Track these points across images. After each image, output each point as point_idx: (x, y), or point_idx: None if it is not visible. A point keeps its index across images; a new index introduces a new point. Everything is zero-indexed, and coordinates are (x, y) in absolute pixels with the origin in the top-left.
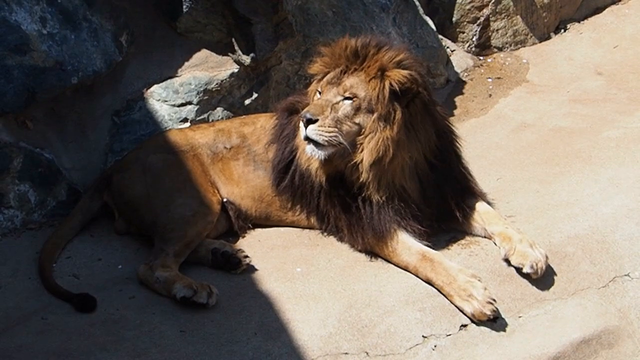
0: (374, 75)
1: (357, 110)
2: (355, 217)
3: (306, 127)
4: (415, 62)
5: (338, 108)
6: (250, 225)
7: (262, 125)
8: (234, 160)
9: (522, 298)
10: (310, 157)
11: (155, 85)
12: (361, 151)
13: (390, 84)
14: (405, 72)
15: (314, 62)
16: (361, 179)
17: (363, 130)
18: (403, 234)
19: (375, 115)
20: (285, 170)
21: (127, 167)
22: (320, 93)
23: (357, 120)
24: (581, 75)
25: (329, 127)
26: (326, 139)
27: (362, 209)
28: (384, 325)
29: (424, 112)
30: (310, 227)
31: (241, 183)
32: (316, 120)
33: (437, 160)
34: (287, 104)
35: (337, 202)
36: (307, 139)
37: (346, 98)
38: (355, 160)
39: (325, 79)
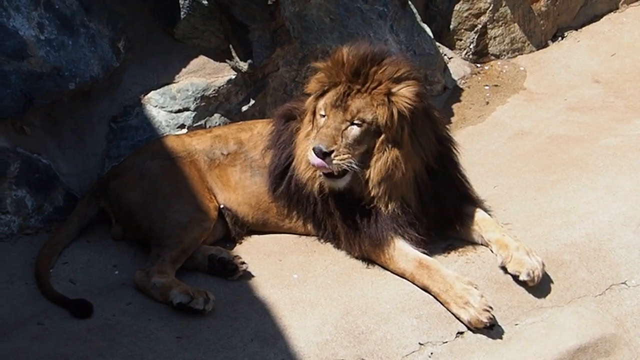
0: (381, 102)
1: (365, 133)
2: (353, 224)
3: (321, 158)
4: (414, 71)
5: (347, 134)
6: (247, 231)
7: (259, 132)
8: (231, 167)
9: (519, 306)
10: (322, 182)
11: (153, 92)
12: (369, 169)
13: (399, 110)
14: (410, 94)
15: (310, 80)
16: (372, 194)
17: (370, 150)
18: (400, 241)
19: (383, 137)
20: (282, 176)
21: (124, 173)
22: (324, 116)
23: (365, 143)
24: (578, 83)
25: (343, 155)
26: (343, 168)
27: (360, 217)
28: (380, 332)
29: (425, 118)
30: (307, 234)
31: (238, 189)
32: (331, 152)
33: (437, 165)
34: (284, 111)
35: (334, 210)
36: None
37: (353, 123)
38: (365, 178)
39: (327, 101)
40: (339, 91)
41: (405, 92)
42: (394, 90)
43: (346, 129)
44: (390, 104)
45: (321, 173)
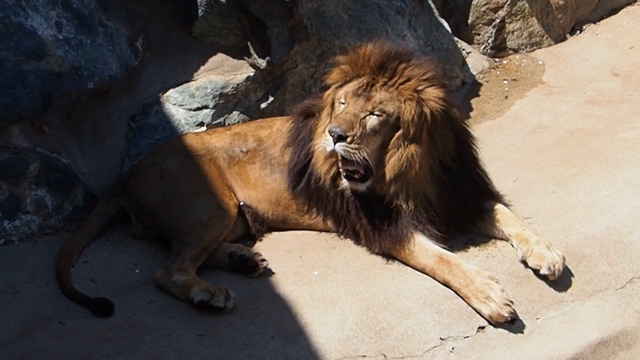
0: (409, 97)
1: (383, 125)
2: (372, 221)
3: (335, 143)
4: (440, 76)
5: (365, 123)
6: (267, 228)
7: (278, 129)
8: (251, 164)
9: (540, 300)
10: (345, 184)
11: (171, 90)
12: (383, 166)
13: (428, 109)
14: (440, 99)
15: (332, 71)
16: (391, 192)
17: (385, 144)
18: (420, 237)
19: (401, 132)
20: (301, 173)
21: (143, 172)
22: (343, 104)
23: (381, 135)
24: (597, 77)
25: (358, 144)
26: (356, 158)
27: (380, 214)
28: (401, 328)
29: (446, 120)
30: (327, 230)
31: (258, 186)
32: (347, 137)
33: (455, 164)
34: (302, 108)
35: (354, 208)
36: (346, 173)
37: (373, 114)
38: (379, 175)
39: (349, 89)
40: (363, 82)
41: (435, 93)
42: (422, 88)
43: (365, 117)
44: (420, 103)
45: (343, 174)
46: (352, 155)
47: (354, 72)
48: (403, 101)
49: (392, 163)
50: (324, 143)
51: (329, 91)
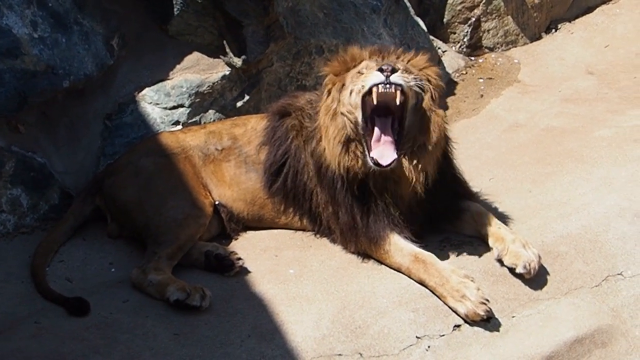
0: (425, 66)
1: (415, 80)
2: (349, 219)
3: (390, 75)
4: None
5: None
6: (242, 227)
7: (253, 127)
8: (226, 162)
9: (516, 298)
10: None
11: (147, 88)
12: (419, 133)
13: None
14: (440, 78)
15: (329, 62)
16: (420, 166)
17: (419, 105)
18: (395, 236)
19: (429, 94)
20: (278, 173)
21: (119, 171)
22: (361, 74)
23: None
24: (572, 75)
25: (411, 72)
26: (416, 83)
27: (359, 212)
28: (377, 326)
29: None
30: (303, 229)
31: (233, 185)
32: (397, 70)
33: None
34: (278, 107)
35: (345, 198)
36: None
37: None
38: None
39: (367, 62)
40: (372, 60)
41: (437, 71)
42: (428, 65)
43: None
44: (428, 71)
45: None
46: (414, 83)
47: (351, 62)
48: (420, 69)
49: (434, 126)
50: (363, 82)
51: (327, 80)
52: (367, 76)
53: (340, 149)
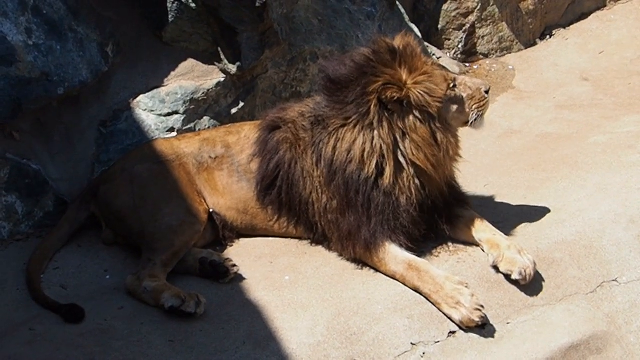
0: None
1: None
2: (355, 221)
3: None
4: None
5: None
6: (237, 234)
7: (246, 135)
8: (219, 170)
9: (511, 304)
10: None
11: (142, 95)
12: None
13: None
14: None
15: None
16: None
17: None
18: (390, 244)
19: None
20: (270, 186)
21: (113, 178)
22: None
23: None
24: (567, 81)
25: None
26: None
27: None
28: (372, 333)
29: None
30: (298, 237)
31: (226, 194)
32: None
33: None
34: (268, 122)
35: (339, 206)
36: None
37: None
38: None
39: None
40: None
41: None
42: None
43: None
44: None
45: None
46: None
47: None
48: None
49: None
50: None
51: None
52: (477, 86)
53: (370, 158)
